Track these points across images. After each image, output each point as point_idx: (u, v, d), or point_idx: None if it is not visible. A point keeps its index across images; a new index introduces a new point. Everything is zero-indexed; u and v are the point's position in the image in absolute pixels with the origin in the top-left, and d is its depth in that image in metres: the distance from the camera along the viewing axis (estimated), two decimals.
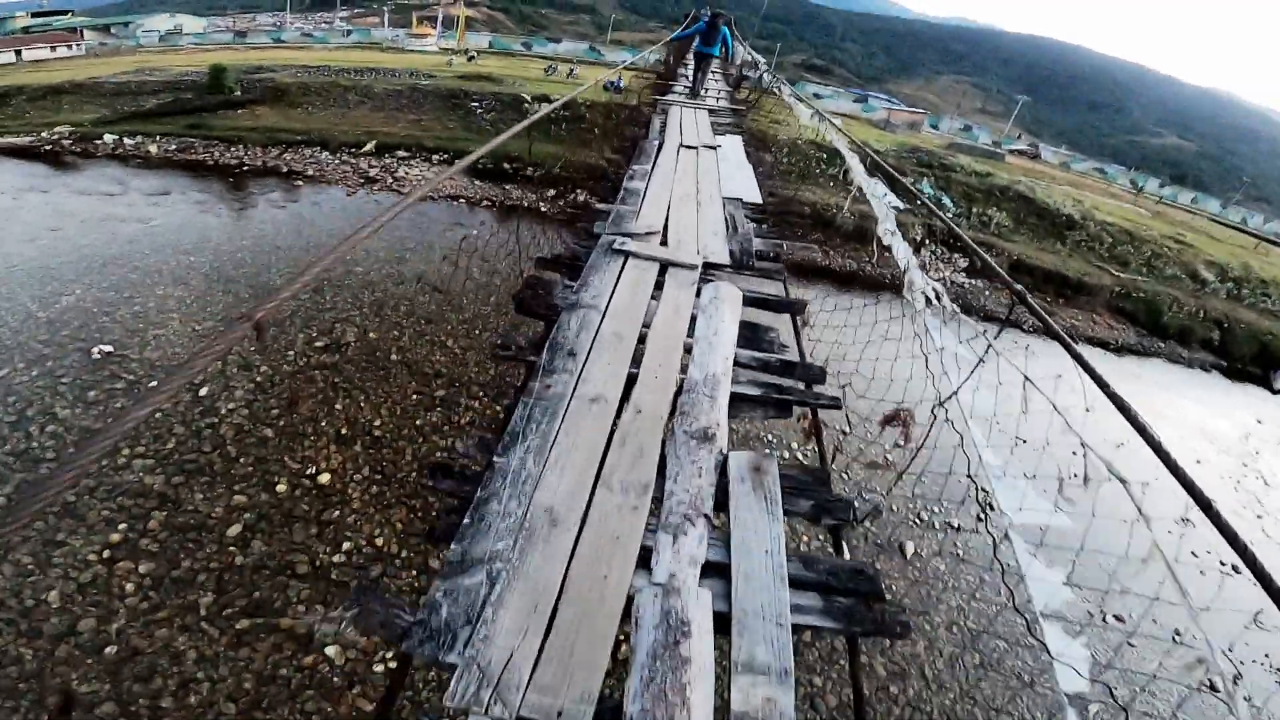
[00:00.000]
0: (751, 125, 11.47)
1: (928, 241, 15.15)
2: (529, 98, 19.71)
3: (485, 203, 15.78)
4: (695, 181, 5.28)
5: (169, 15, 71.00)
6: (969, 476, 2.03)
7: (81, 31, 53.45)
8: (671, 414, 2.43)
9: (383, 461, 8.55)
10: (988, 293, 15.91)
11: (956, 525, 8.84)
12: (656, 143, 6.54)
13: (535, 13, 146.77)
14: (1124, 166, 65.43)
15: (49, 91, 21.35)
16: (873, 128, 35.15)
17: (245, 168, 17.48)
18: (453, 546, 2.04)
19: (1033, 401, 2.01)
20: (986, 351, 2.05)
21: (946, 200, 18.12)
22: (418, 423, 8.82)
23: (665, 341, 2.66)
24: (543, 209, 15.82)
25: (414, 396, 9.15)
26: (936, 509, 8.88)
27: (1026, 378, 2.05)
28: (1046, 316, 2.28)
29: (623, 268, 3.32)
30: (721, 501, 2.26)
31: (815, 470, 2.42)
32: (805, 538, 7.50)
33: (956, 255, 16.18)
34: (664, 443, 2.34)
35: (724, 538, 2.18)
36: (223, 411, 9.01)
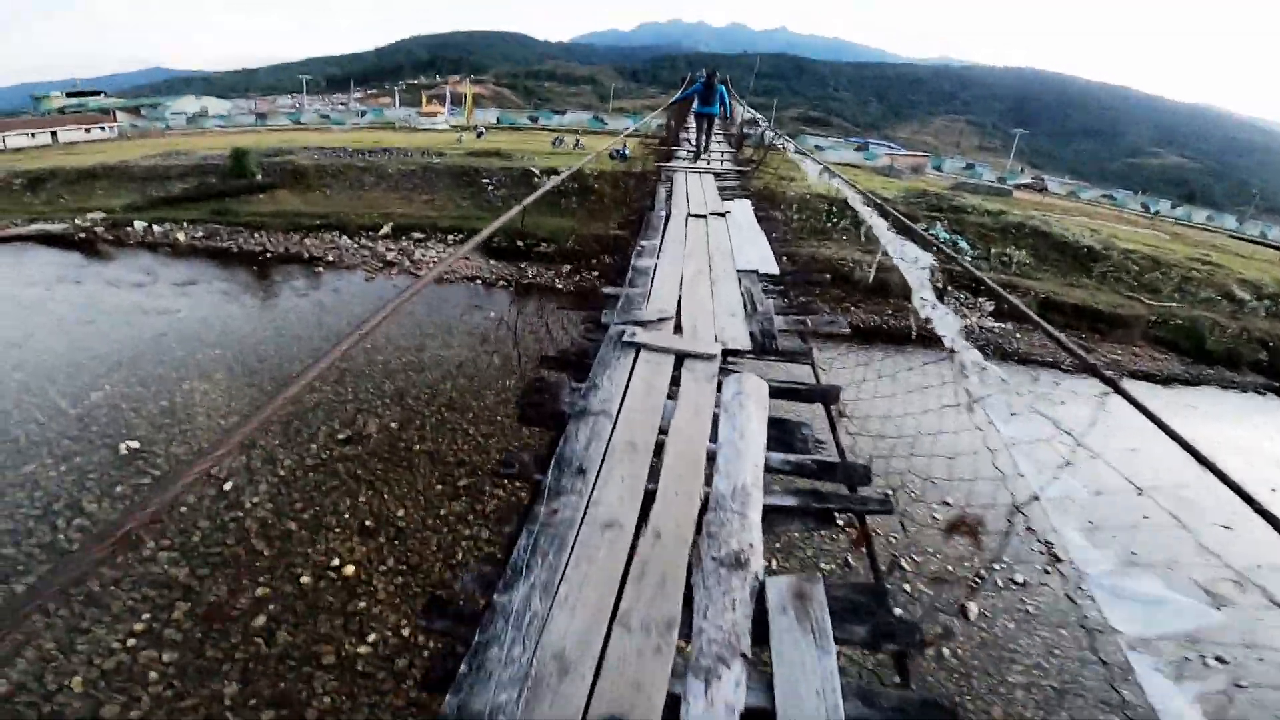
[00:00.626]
0: (758, 185, 11.52)
1: (949, 288, 14.88)
2: (538, 171, 20.35)
3: (501, 283, 15.96)
4: (707, 254, 5.05)
5: (195, 98, 75.80)
6: (1069, 598, 1.72)
7: (114, 113, 56.88)
8: (697, 535, 2.14)
9: (408, 553, 8.38)
10: (1018, 335, 15.47)
11: (1022, 581, 8.18)
12: (663, 214, 6.34)
13: (539, 87, 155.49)
14: (1130, 190, 65.33)
15: (82, 175, 22.62)
16: (877, 175, 35.62)
17: (268, 255, 18.11)
18: (448, 699, 1.75)
19: (1148, 506, 1.69)
20: (1074, 452, 1.75)
21: (963, 243, 17.94)
22: (442, 513, 8.65)
23: (685, 448, 2.39)
24: (558, 285, 15.94)
25: (438, 486, 9.00)
26: (997, 566, 8.24)
27: (1140, 489, 1.74)
28: (1155, 415, 1.87)
29: (634, 363, 3.06)
30: (761, 635, 1.95)
31: (870, 587, 2.09)
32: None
33: (981, 299, 15.83)
34: (689, 571, 2.04)
35: (766, 679, 1.86)
36: (247, 505, 9.00)
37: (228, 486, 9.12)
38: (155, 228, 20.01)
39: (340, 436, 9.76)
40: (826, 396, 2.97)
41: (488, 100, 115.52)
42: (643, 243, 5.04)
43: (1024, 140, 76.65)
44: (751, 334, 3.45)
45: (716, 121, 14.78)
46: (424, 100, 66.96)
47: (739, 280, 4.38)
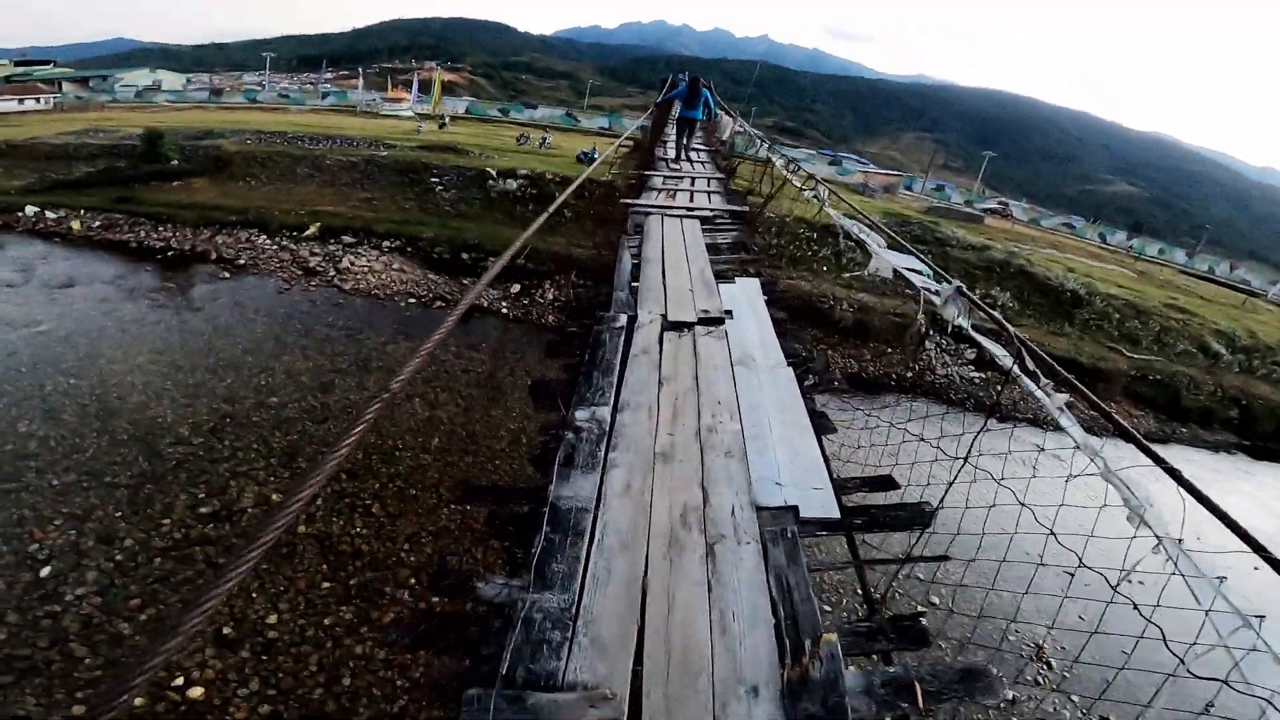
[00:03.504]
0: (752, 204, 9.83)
1: (931, 332, 13.78)
2: (494, 172, 18.29)
3: (439, 304, 13.69)
4: (699, 452, 2.76)
5: (149, 71, 70.43)
6: None
7: (59, 84, 52.60)
8: None
9: (279, 672, 6.55)
10: (998, 386, 14.45)
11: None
12: (623, 321, 4.01)
13: (516, 79, 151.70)
14: (1083, 217, 67.37)
15: None
16: (852, 193, 34.61)
17: (171, 252, 15.68)
18: None
19: None
20: None
21: None
22: (326, 621, 6.79)
23: None
24: (504, 310, 13.87)
25: (324, 585, 7.09)
26: None
27: None
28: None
29: None
30: None
31: None
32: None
33: (964, 345, 14.76)
34: None
35: None
36: (68, 598, 7.03)
37: (46, 572, 7.13)
38: (49, 213, 17.35)
39: (204, 510, 7.78)
40: None
41: (462, 89, 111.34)
42: (580, 417, 2.87)
43: (985, 161, 78.16)
44: None
45: (700, 130, 13.69)
46: (389, 85, 63.25)
47: (762, 547, 2.19)
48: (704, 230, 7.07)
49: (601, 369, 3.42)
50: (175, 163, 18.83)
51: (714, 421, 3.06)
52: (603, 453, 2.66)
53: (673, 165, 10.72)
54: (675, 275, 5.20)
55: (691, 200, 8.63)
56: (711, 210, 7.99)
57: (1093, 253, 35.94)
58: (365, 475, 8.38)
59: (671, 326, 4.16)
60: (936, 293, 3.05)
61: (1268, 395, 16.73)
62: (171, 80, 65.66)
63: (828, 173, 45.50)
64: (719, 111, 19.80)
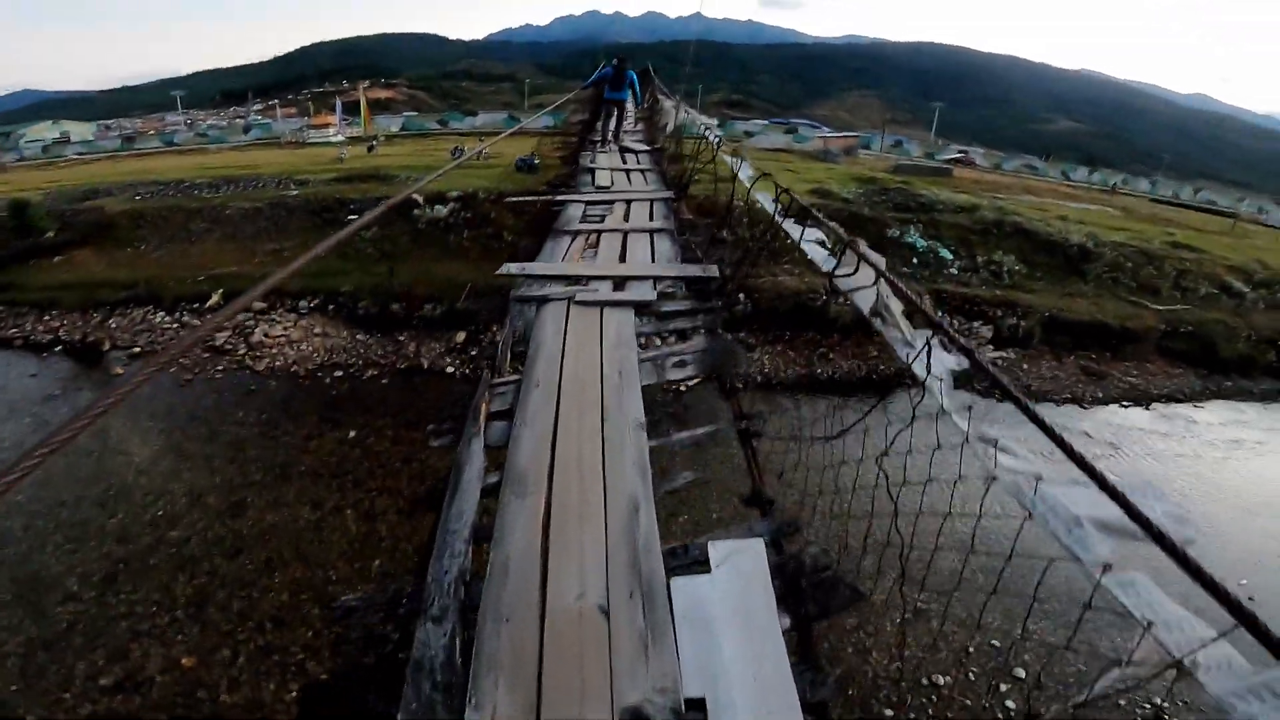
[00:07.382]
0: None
1: (939, 312, 12.12)
2: (420, 199, 16.02)
3: (371, 371, 11.46)
4: None
5: (52, 123, 65.49)
6: None
7: None
8: None
9: None
10: (1025, 365, 12.82)
11: None
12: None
13: (457, 87, 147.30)
14: (1035, 155, 67.04)
15: None
16: (813, 160, 32.82)
17: (60, 346, 13.25)
18: None
19: None
20: None
21: (944, 251, 15.20)
22: None
23: None
24: (449, 369, 11.66)
25: None
26: None
27: None
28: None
29: None
30: None
31: None
32: None
33: (977, 323, 13.11)
34: None
35: None
36: None
37: None
38: None
39: (105, 681, 5.84)
40: None
41: (401, 104, 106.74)
42: None
43: (930, 111, 77.44)
44: None
45: (630, 109, 13.03)
46: (312, 110, 59.64)
47: None
48: (643, 336, 3.96)
49: None
50: (50, 235, 16.17)
51: None
52: None
53: (599, 182, 8.50)
54: (570, 547, 2.22)
55: (623, 255, 5.36)
56: (655, 282, 4.70)
57: (1066, 193, 34.80)
58: (295, 620, 6.38)
59: None
60: None
61: None
62: (81, 130, 61.60)
63: (784, 141, 43.69)
64: (660, 98, 17.76)
